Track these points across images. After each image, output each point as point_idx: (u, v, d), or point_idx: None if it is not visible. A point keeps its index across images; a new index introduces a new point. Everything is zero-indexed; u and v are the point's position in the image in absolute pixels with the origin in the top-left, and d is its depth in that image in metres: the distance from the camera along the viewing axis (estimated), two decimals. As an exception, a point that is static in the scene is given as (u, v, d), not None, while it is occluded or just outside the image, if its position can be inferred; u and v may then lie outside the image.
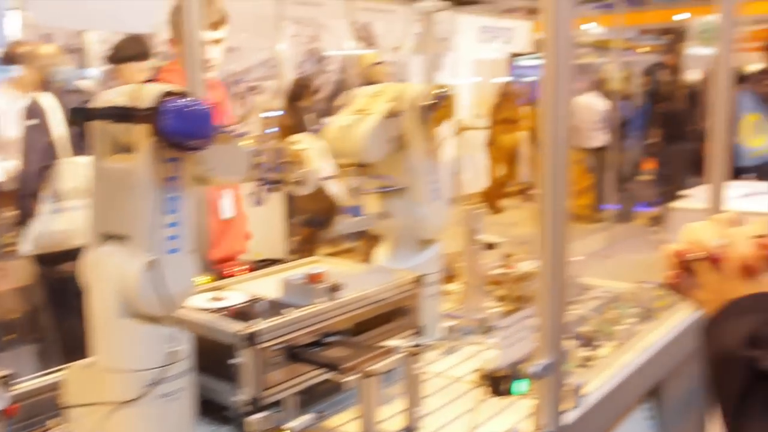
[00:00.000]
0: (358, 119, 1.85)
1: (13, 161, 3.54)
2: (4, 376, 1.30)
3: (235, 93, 6.37)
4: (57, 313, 3.58)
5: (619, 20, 7.89)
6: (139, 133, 1.27)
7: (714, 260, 0.81)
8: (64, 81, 3.62)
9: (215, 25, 2.65)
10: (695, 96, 6.82)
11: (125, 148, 1.34)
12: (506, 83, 8.80)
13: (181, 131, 1.25)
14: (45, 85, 3.56)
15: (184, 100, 1.26)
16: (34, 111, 3.37)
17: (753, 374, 0.74)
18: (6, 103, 3.79)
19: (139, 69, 3.93)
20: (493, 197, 8.40)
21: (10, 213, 3.61)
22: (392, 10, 7.69)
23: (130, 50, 4.04)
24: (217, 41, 2.67)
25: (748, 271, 0.79)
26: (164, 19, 2.69)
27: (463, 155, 8.06)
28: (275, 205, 5.11)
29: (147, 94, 1.26)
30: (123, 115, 1.27)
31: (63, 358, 2.48)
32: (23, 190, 3.41)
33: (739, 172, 4.62)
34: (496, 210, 8.28)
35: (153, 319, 1.32)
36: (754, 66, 5.40)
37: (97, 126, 1.36)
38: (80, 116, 1.37)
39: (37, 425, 1.47)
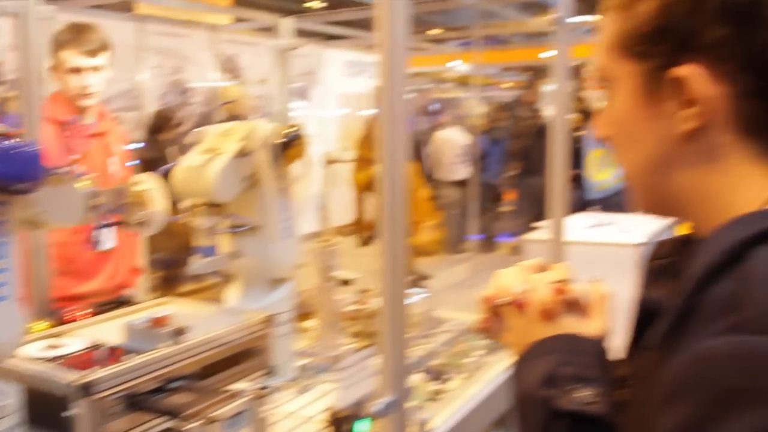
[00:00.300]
0: (208, 159, 1.83)
1: None
2: None
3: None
4: None
5: (482, 57, 8.23)
6: None
7: (518, 305, 0.86)
8: None
9: (93, 53, 2.62)
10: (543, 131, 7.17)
11: None
12: (370, 117, 8.94)
13: (5, 174, 1.19)
14: None
15: (8, 141, 1.21)
16: None
17: (548, 413, 0.77)
18: None
19: None
20: (361, 230, 8.48)
21: None
22: (257, 43, 7.68)
23: None
24: (96, 68, 2.63)
25: (547, 314, 0.84)
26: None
27: (330, 188, 8.10)
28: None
29: None
30: None
31: None
32: None
33: (586, 205, 4.91)
34: (366, 242, 8.36)
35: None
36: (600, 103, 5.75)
37: None
38: None
39: None
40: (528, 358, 0.83)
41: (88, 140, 2.68)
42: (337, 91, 9.52)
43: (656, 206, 0.80)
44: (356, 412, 1.38)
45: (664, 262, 0.85)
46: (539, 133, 7.35)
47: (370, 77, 10.13)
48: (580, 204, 4.83)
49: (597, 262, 2.56)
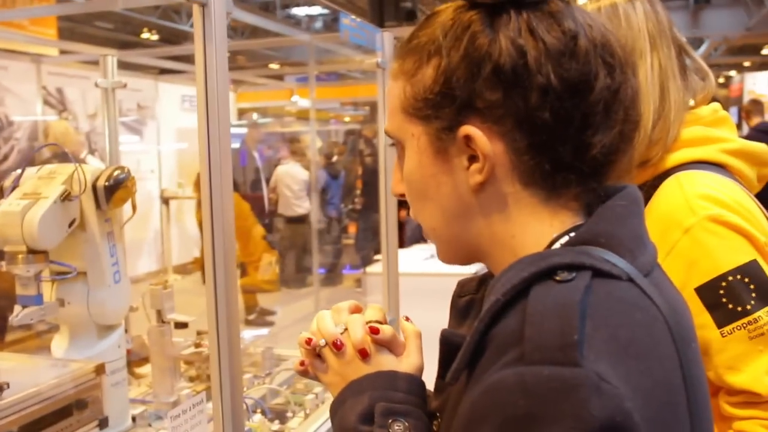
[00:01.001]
0: (28, 203, 1.74)
1: None
2: None
3: None
4: None
5: (320, 93, 8.35)
6: None
7: (336, 346, 0.89)
8: None
9: None
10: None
11: None
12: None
13: None
14: None
15: None
16: None
17: None
18: None
19: None
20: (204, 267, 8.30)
21: None
22: (86, 77, 7.39)
23: None
24: None
25: (362, 354, 0.88)
26: None
27: (169, 226, 7.88)
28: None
29: None
30: None
31: None
32: None
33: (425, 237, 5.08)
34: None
35: None
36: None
37: None
38: None
39: None
40: (346, 397, 0.86)
41: None
42: (172, 125, 9.31)
43: (457, 255, 0.86)
44: (192, 459, 1.36)
45: (466, 300, 0.92)
46: (375, 168, 7.57)
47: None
48: (421, 236, 4.99)
49: (431, 292, 2.66)
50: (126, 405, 1.93)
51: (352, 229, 7.75)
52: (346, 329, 0.90)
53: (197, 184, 8.26)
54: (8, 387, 1.51)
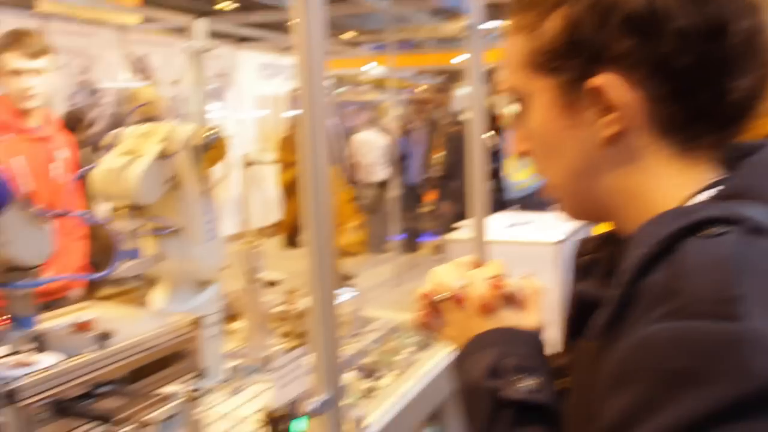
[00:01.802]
0: (128, 161, 1.79)
1: None
2: None
3: None
4: None
5: (396, 61, 8.30)
6: None
7: (457, 300, 0.88)
8: None
9: (34, 55, 2.66)
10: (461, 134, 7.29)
11: None
12: (293, 118, 8.90)
13: None
14: None
15: None
16: None
17: (495, 403, 0.79)
18: None
19: None
20: (286, 231, 8.40)
21: None
22: (169, 44, 7.54)
23: None
24: (37, 71, 2.67)
25: (485, 308, 0.86)
26: None
27: (250, 190, 8.00)
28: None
29: None
30: None
31: None
32: None
33: (506, 204, 5.02)
34: (292, 243, 8.28)
35: None
36: (514, 107, 5.89)
37: None
38: None
39: None
40: (470, 351, 0.85)
41: (31, 144, 2.65)
42: (252, 92, 9.43)
43: (584, 212, 0.83)
44: (291, 411, 1.38)
45: (588, 259, 0.89)
46: (455, 135, 7.49)
47: (285, 79, 10.09)
48: (500, 203, 4.93)
49: (517, 260, 2.61)
50: (221, 358, 1.98)
51: (430, 196, 7.71)
52: (467, 283, 0.88)
53: (280, 149, 8.38)
54: (112, 336, 1.56)
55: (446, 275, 0.91)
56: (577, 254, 0.91)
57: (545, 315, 0.90)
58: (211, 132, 1.88)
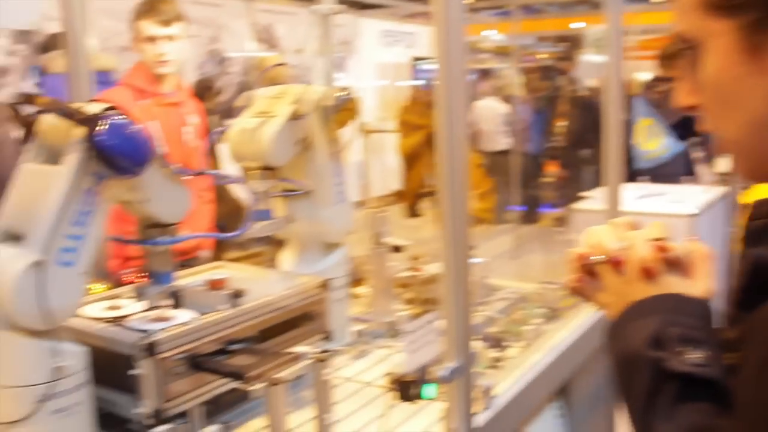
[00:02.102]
0: (261, 122, 1.80)
1: None
2: None
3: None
4: None
5: (517, 27, 8.09)
6: (75, 137, 1.22)
7: (615, 263, 0.82)
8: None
9: (168, 22, 2.76)
10: (592, 102, 7.04)
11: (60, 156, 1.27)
12: (415, 87, 8.86)
13: (115, 147, 1.21)
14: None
15: (126, 120, 1.24)
16: None
17: (658, 375, 0.74)
18: None
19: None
20: (406, 199, 8.41)
21: None
22: (294, 12, 7.62)
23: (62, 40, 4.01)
24: (170, 37, 2.76)
25: (648, 273, 0.80)
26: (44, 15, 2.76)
27: (370, 158, 8.05)
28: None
29: (95, 106, 1.25)
30: (63, 110, 1.22)
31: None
32: None
33: (635, 175, 4.81)
34: (412, 212, 8.28)
35: (34, 333, 1.23)
36: (643, 74, 5.63)
37: (40, 127, 1.29)
38: (24, 101, 1.29)
39: None
40: (630, 318, 0.79)
41: (164, 109, 2.75)
42: (372, 61, 9.44)
43: (765, 170, 0.74)
44: (421, 376, 1.35)
45: (762, 223, 0.81)
46: (581, 103, 7.25)
47: (405, 47, 10.04)
48: (628, 174, 4.73)
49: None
50: (347, 321, 1.98)
51: (552, 166, 7.51)
52: (627, 246, 0.82)
53: (400, 118, 8.36)
54: (244, 295, 1.58)
55: (603, 236, 0.85)
56: (749, 218, 0.83)
57: (714, 283, 0.82)
58: (343, 93, 1.86)
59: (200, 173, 1.62)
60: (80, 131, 1.21)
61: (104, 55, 4.63)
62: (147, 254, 1.48)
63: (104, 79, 3.31)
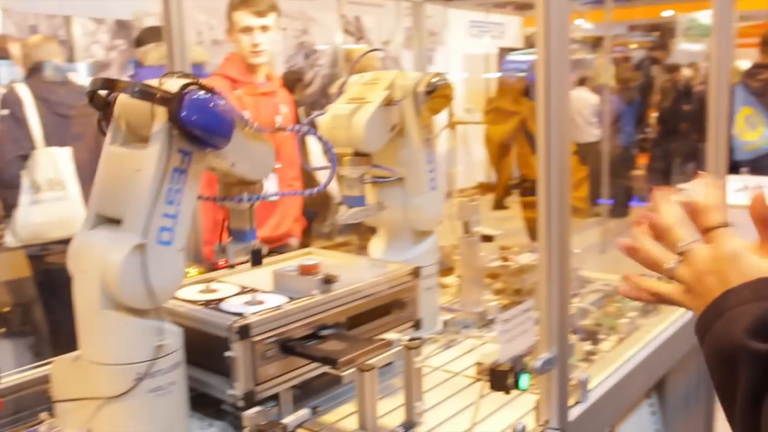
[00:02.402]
0: (355, 107, 1.79)
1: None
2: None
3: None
4: (47, 305, 3.58)
5: (607, 16, 7.86)
6: (159, 118, 1.23)
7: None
8: (54, 73, 3.55)
9: (262, 13, 2.81)
10: (688, 91, 6.79)
11: (141, 137, 1.30)
12: (501, 78, 8.74)
13: (196, 122, 1.21)
14: (32, 74, 3.50)
15: (207, 94, 1.23)
16: (8, 101, 3.33)
17: (765, 368, 0.67)
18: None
19: (161, 52, 4.00)
20: (494, 191, 8.32)
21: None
22: (381, 4, 7.63)
23: (155, 33, 4.14)
24: (264, 28, 2.81)
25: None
26: (144, 8, 2.83)
27: (456, 149, 8.01)
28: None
29: (175, 82, 1.24)
30: (144, 92, 1.22)
31: (54, 351, 2.46)
32: (1, 180, 3.39)
33: (733, 166, 4.60)
34: (499, 204, 8.19)
35: (137, 312, 1.26)
36: (744, 62, 5.38)
37: (117, 108, 1.31)
38: (100, 86, 1.32)
39: (25, 420, 1.42)
40: (723, 308, 0.73)
41: (257, 98, 2.81)
42: (459, 52, 9.36)
43: None
44: (515, 367, 1.32)
45: None
46: (678, 93, 7.00)
47: (493, 37, 9.93)
48: (728, 165, 4.53)
49: (750, 227, 2.37)
50: (436, 310, 1.96)
51: (643, 159, 7.29)
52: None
53: (489, 106, 8.26)
54: (335, 281, 1.58)
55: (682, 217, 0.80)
56: None
57: None
58: (438, 78, 1.84)
59: (278, 129, 1.61)
60: (163, 111, 1.22)
61: (197, 48, 4.76)
62: (230, 213, 1.51)
63: (197, 72, 3.39)
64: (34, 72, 3.49)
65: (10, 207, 3.33)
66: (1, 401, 1.24)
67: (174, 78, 1.27)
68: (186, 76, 1.28)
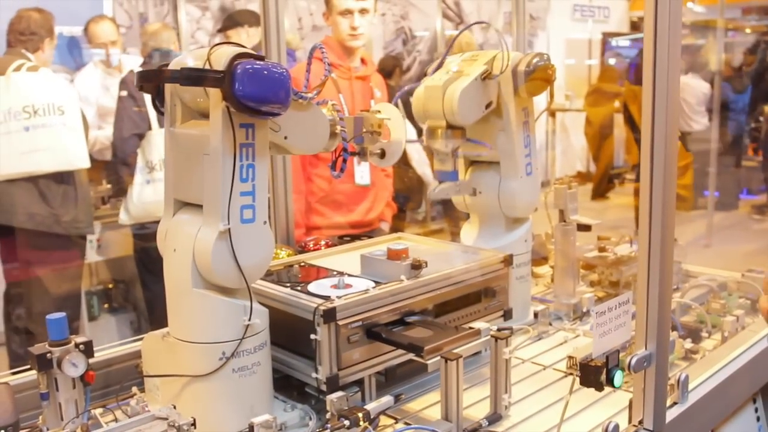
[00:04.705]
0: (450, 78, 1.74)
1: (108, 130, 3.70)
2: (83, 344, 1.27)
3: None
4: (145, 282, 3.74)
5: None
6: (212, 97, 1.21)
7: None
8: (160, 61, 3.70)
9: None
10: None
11: (201, 114, 1.30)
12: (604, 64, 8.48)
13: (252, 95, 1.17)
14: (149, 60, 3.68)
15: (257, 63, 1.19)
16: (127, 82, 3.51)
17: None
18: (103, 78, 4.06)
19: (249, 35, 4.15)
20: (593, 180, 8.08)
21: (106, 186, 3.80)
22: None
23: (242, 16, 4.28)
24: (362, 11, 2.82)
25: None
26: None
27: (555, 137, 7.81)
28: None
29: (220, 57, 1.20)
30: (193, 77, 1.20)
31: (151, 327, 2.55)
32: (116, 158, 3.60)
33: None
34: (596, 194, 7.95)
35: (226, 291, 1.27)
36: None
37: (168, 90, 1.32)
38: (147, 79, 1.33)
39: (116, 393, 1.45)
40: None
41: (352, 82, 2.81)
42: (561, 37, 9.12)
43: None
44: (608, 362, 1.25)
45: None
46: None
47: (596, 22, 9.63)
48: None
49: None
50: (528, 300, 1.90)
51: (754, 150, 6.91)
52: None
53: (591, 87, 8.00)
54: (426, 265, 1.55)
55: None
56: None
57: None
58: (539, 59, 1.77)
59: (325, 102, 1.55)
60: (216, 90, 1.19)
61: (290, 33, 4.83)
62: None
63: (289, 56, 3.42)
64: (151, 58, 3.67)
65: (121, 186, 3.52)
66: (92, 374, 1.27)
67: (219, 49, 1.22)
68: (231, 44, 1.24)
